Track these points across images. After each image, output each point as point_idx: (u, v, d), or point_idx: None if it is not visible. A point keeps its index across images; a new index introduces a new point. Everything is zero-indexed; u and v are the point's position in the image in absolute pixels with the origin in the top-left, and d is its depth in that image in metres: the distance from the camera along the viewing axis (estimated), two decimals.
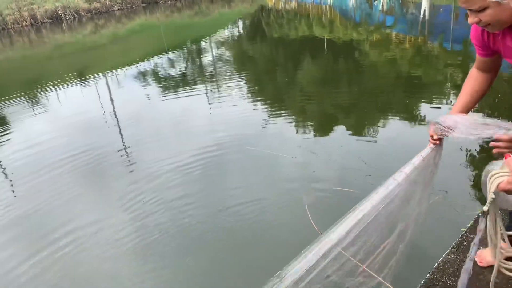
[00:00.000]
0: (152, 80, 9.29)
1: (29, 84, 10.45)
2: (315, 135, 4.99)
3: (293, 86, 7.48)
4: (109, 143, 5.41)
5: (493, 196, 1.23)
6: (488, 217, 1.30)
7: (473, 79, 1.70)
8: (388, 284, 1.74)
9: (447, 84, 6.33)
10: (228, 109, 6.28)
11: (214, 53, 12.46)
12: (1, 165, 5.18)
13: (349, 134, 4.86)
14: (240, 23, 19.51)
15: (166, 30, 20.01)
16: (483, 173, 1.32)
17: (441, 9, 13.41)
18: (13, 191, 4.42)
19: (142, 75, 9.98)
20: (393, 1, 16.42)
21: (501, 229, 1.32)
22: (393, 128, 4.90)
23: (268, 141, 4.87)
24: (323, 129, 5.17)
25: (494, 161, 1.31)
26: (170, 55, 12.79)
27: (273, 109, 6.23)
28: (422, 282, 1.94)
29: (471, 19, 1.40)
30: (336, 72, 8.11)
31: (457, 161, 3.76)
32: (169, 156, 4.70)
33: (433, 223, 2.76)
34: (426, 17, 12.42)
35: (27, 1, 26.98)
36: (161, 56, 12.63)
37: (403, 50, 9.03)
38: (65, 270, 3.03)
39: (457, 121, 1.46)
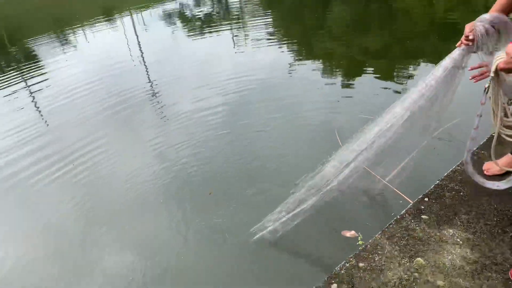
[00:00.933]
0: (178, 20, 9.07)
1: (58, 22, 10.50)
2: (342, 80, 4.70)
3: (321, 29, 7.05)
4: (137, 86, 5.30)
5: (492, 75, 1.45)
6: (490, 91, 1.51)
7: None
8: (399, 192, 2.25)
9: None
10: (254, 53, 6.02)
11: None
12: (38, 105, 5.28)
13: (377, 79, 4.54)
14: None
15: None
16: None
17: None
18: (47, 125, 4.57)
19: (168, 15, 9.76)
20: None
21: (502, 101, 1.50)
22: (424, 74, 4.52)
23: (294, 85, 4.67)
24: (350, 74, 4.86)
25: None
26: None
27: (300, 53, 5.93)
28: (431, 187, 2.13)
29: None
30: (367, 14, 7.52)
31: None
32: (195, 100, 4.55)
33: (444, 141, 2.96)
34: None
35: None
36: None
37: None
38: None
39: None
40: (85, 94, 5.21)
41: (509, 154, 2.10)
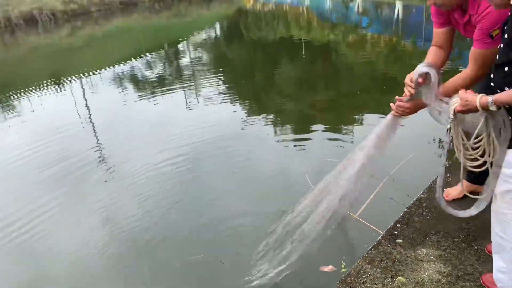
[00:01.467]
0: (129, 83, 9.21)
1: (1, 88, 10.22)
2: (291, 136, 5.04)
3: (271, 87, 7.53)
4: (85, 149, 5.32)
5: (452, 117, 1.61)
6: (452, 131, 1.69)
7: (432, 53, 2.10)
8: (373, 226, 2.42)
9: None
10: (206, 111, 6.28)
11: (192, 55, 12.43)
12: None
13: (326, 133, 4.91)
14: (218, 25, 19.49)
15: (144, 32, 19.84)
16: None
17: (414, 10, 13.70)
18: None
19: (119, 78, 9.89)
20: (368, 3, 16.68)
21: (463, 140, 1.68)
22: (369, 126, 5.00)
23: (245, 141, 4.90)
24: (300, 129, 5.22)
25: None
26: (148, 57, 12.69)
27: (251, 110, 6.27)
28: (401, 214, 2.39)
29: (429, 2, 1.83)
30: (314, 73, 8.19)
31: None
32: (146, 159, 4.65)
33: (408, 172, 3.34)
34: (400, 17, 12.66)
35: (0, 3, 26.37)
36: (138, 58, 12.53)
37: (378, 49, 9.20)
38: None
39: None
40: (28, 160, 5.06)
41: (465, 180, 2.40)
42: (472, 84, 1.90)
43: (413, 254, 2.06)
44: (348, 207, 2.09)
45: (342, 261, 2.41)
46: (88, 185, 4.29)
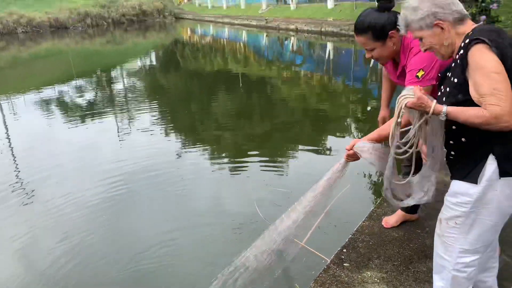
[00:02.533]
0: (57, 107, 8.69)
1: None
2: (227, 166, 5.02)
3: (207, 117, 7.53)
4: (2, 176, 4.87)
5: (403, 111, 1.56)
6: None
7: (387, 78, 2.41)
8: (320, 254, 2.50)
9: (349, 118, 6.88)
10: (139, 141, 6.07)
11: (126, 82, 12.11)
12: None
13: (261, 165, 4.97)
14: (154, 54, 19.34)
15: (75, 56, 19.04)
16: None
17: (343, 51, 14.73)
18: None
19: (45, 102, 9.28)
20: (301, 42, 17.65)
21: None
22: (301, 157, 5.15)
23: (179, 172, 4.78)
24: (235, 160, 5.23)
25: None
26: (78, 82, 12.14)
27: (187, 140, 6.18)
28: (346, 240, 2.51)
29: (367, 55, 2.03)
30: (250, 105, 8.37)
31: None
32: (70, 190, 4.35)
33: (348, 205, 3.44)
34: (331, 58, 13.53)
35: None
36: (68, 83, 11.93)
37: (311, 86, 9.67)
38: None
39: (370, 150, 1.84)
40: None
41: (400, 210, 2.56)
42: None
43: (359, 276, 2.12)
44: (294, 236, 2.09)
45: (296, 284, 2.42)
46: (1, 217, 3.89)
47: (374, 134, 1.91)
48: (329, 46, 15.74)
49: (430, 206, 2.56)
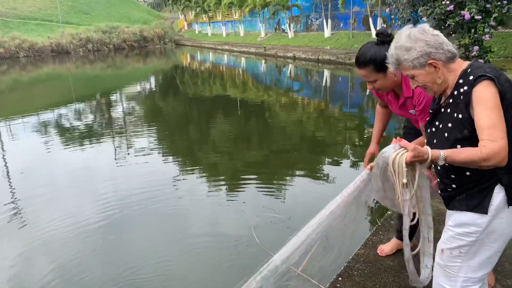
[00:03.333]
0: (55, 131, 8.73)
1: None
2: (225, 192, 5.02)
3: (205, 142, 7.57)
4: None
5: (406, 169, 1.50)
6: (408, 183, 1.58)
7: (381, 112, 2.46)
8: (314, 282, 2.39)
9: (346, 145, 6.93)
10: (137, 166, 6.08)
11: (125, 106, 12.22)
12: None
13: (258, 191, 4.97)
14: (154, 79, 19.59)
15: (76, 81, 19.26)
16: (377, 161, 1.65)
17: (339, 79, 14.98)
18: None
19: (44, 125, 9.34)
20: (299, 69, 17.96)
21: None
22: (297, 183, 5.16)
23: (176, 196, 4.78)
24: (233, 186, 5.23)
25: (384, 149, 1.61)
26: (78, 106, 12.23)
27: (184, 165, 6.20)
28: (342, 269, 2.51)
29: (369, 86, 2.09)
30: (248, 131, 8.43)
31: None
32: (66, 212, 4.35)
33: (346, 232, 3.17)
34: (328, 85, 13.73)
35: None
36: (67, 107, 12.02)
37: (308, 112, 9.77)
38: None
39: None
40: None
41: (395, 238, 2.56)
42: None
43: None
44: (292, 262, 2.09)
45: None
46: None
47: (377, 132, 2.38)
48: (326, 73, 16.00)
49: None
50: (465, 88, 1.49)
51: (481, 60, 8.31)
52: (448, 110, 1.57)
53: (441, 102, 1.62)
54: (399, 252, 2.62)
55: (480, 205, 1.52)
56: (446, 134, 1.56)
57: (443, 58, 1.53)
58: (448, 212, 1.66)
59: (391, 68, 1.66)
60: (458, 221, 1.59)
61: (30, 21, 36.28)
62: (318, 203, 4.25)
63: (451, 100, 1.56)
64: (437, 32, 1.56)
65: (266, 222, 3.94)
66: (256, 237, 3.52)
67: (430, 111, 1.70)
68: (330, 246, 3.18)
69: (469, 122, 1.48)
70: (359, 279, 2.34)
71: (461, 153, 1.43)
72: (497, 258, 1.61)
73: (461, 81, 1.51)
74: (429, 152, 1.45)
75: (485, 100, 1.41)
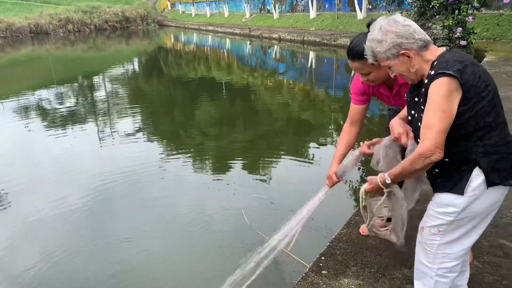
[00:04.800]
0: (36, 114, 8.54)
1: None
2: (211, 175, 5.03)
3: (190, 125, 7.53)
4: None
5: (364, 196, 1.87)
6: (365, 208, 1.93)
7: (347, 133, 2.31)
8: (301, 261, 2.59)
9: (331, 126, 6.98)
10: (121, 149, 6.02)
11: (108, 88, 12.01)
12: None
13: (244, 174, 4.99)
14: (137, 61, 19.24)
15: (56, 62, 18.79)
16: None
17: (325, 60, 14.95)
18: None
19: (24, 109, 9.13)
20: (284, 51, 17.84)
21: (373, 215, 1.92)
22: (283, 164, 5.20)
23: (163, 182, 4.76)
24: (219, 169, 5.24)
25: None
26: (59, 89, 11.97)
27: (169, 148, 6.16)
28: (325, 248, 2.55)
29: (362, 79, 2.06)
30: (234, 113, 8.40)
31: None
32: (49, 198, 4.30)
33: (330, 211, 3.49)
34: (313, 66, 13.70)
35: None
36: (47, 89, 11.76)
37: (293, 94, 9.77)
38: None
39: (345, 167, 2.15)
40: None
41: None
42: None
43: (337, 283, 2.16)
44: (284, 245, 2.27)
45: None
46: None
47: (339, 156, 2.26)
48: (311, 54, 15.95)
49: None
50: (426, 81, 1.54)
51: (464, 42, 8.39)
52: (421, 100, 1.62)
53: (419, 90, 1.66)
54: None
55: (457, 186, 1.57)
56: (418, 123, 1.62)
57: (414, 47, 1.56)
58: (433, 193, 1.72)
59: (370, 59, 1.71)
60: (438, 201, 1.65)
61: (6, 0, 35.00)
62: (303, 184, 4.32)
63: (422, 90, 1.60)
64: (409, 22, 1.59)
65: (253, 204, 3.97)
66: (246, 218, 3.55)
67: (407, 99, 1.75)
68: (314, 224, 3.26)
69: None
70: (341, 258, 2.39)
71: (398, 167, 1.64)
72: (477, 237, 1.67)
73: (431, 72, 1.54)
74: (378, 179, 1.73)
75: (432, 99, 1.48)
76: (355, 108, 2.29)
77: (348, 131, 2.30)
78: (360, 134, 2.33)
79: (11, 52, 23.32)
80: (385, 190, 1.74)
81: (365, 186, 1.82)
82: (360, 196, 1.88)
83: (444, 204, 1.61)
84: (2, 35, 30.01)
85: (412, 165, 1.56)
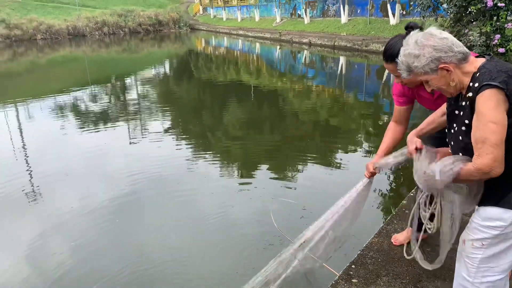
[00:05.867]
0: (71, 114, 8.82)
1: None
2: (238, 177, 5.03)
3: (218, 127, 7.58)
4: (15, 179, 4.95)
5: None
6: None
7: (392, 130, 2.31)
8: (329, 268, 2.49)
9: (360, 133, 6.86)
10: (150, 149, 6.13)
11: (139, 90, 12.28)
12: None
13: (271, 177, 4.97)
14: (168, 63, 19.59)
15: (91, 63, 19.39)
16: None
17: (355, 66, 14.75)
18: None
19: (60, 107, 9.45)
20: (314, 55, 17.74)
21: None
22: (310, 170, 5.14)
23: (190, 182, 4.80)
24: (246, 171, 5.24)
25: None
26: (93, 89, 12.34)
27: (197, 150, 6.22)
28: (355, 256, 2.53)
29: (396, 80, 2.10)
30: (261, 117, 8.40)
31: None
32: (79, 195, 4.42)
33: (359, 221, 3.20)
34: (343, 72, 13.55)
35: None
36: (83, 89, 12.13)
37: (322, 100, 9.68)
38: None
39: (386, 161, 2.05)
40: None
41: (409, 228, 2.53)
42: None
43: None
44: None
45: None
46: (11, 218, 3.95)
47: (384, 148, 2.19)
48: (342, 60, 15.78)
49: None
50: (470, 94, 1.49)
51: (502, 49, 8.08)
52: (462, 113, 1.57)
53: (458, 102, 1.60)
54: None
55: (504, 200, 1.52)
56: (460, 137, 1.58)
57: (454, 60, 1.51)
58: (476, 206, 1.65)
59: (403, 74, 1.64)
60: (483, 215, 1.59)
61: (47, 3, 36.45)
62: (331, 190, 4.26)
63: (463, 103, 1.56)
64: (445, 34, 1.54)
65: (280, 208, 3.95)
66: (275, 223, 3.53)
67: (447, 112, 1.70)
68: (344, 235, 3.18)
69: None
70: (372, 267, 2.34)
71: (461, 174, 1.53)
72: None
73: (471, 84, 1.50)
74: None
75: (481, 113, 1.43)
76: (397, 109, 2.29)
77: (393, 128, 2.31)
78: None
79: (50, 53, 24.24)
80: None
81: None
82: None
83: (490, 218, 1.56)
84: (42, 36, 31.25)
85: (468, 176, 1.51)
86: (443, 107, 1.86)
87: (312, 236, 2.08)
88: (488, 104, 1.41)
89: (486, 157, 1.42)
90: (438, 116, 1.90)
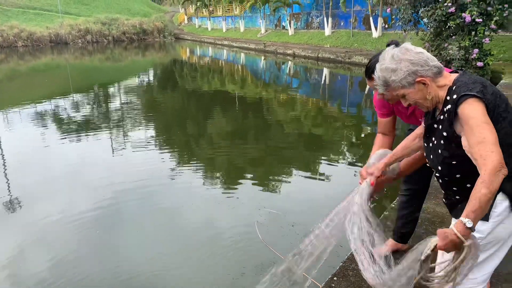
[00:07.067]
0: (51, 122, 8.68)
1: None
2: (222, 187, 5.01)
3: (202, 137, 7.56)
4: None
5: (430, 252, 1.49)
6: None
7: (380, 141, 2.30)
8: (314, 281, 2.33)
9: (343, 142, 6.93)
10: (133, 158, 6.06)
11: (122, 99, 12.17)
12: None
13: (255, 187, 4.97)
14: (153, 72, 19.51)
15: (74, 71, 19.15)
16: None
17: (338, 77, 14.96)
18: None
19: (41, 116, 9.28)
20: (298, 67, 17.92)
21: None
22: (294, 180, 5.16)
23: (173, 192, 4.76)
24: (230, 181, 5.23)
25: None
26: (75, 97, 12.17)
27: (181, 159, 6.18)
28: (337, 268, 2.50)
29: (378, 96, 2.10)
30: (246, 126, 8.42)
31: None
32: (60, 205, 4.33)
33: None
34: (327, 83, 13.71)
35: None
36: (64, 97, 11.96)
37: (306, 110, 9.77)
38: None
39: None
40: None
41: (391, 239, 2.56)
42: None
43: None
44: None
45: None
46: None
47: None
48: (325, 71, 15.99)
49: (421, 236, 2.58)
50: (449, 106, 1.51)
51: (480, 63, 8.32)
52: (440, 127, 1.59)
53: (435, 116, 1.63)
54: (394, 253, 2.62)
55: None
56: (439, 151, 1.59)
57: (430, 74, 1.54)
58: (453, 219, 1.67)
59: (380, 90, 1.66)
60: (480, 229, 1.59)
61: (29, 10, 36.00)
62: (314, 201, 4.27)
63: (441, 117, 1.58)
64: (419, 49, 1.57)
65: (265, 218, 3.94)
66: (259, 233, 3.52)
67: (424, 126, 1.72)
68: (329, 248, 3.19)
69: (454, 139, 1.51)
70: (354, 279, 2.35)
71: (473, 201, 1.37)
72: (498, 261, 1.64)
73: (448, 97, 1.53)
74: (455, 230, 1.37)
75: (472, 117, 1.42)
76: (381, 121, 2.33)
77: (381, 139, 2.32)
78: None
79: (31, 60, 23.86)
80: (465, 243, 1.37)
81: (434, 243, 1.45)
82: (424, 253, 1.50)
83: None
84: (23, 43, 30.79)
85: (489, 187, 1.35)
86: (417, 131, 1.86)
87: (299, 251, 2.08)
88: (476, 108, 1.43)
89: (492, 155, 1.36)
90: (410, 140, 1.88)
